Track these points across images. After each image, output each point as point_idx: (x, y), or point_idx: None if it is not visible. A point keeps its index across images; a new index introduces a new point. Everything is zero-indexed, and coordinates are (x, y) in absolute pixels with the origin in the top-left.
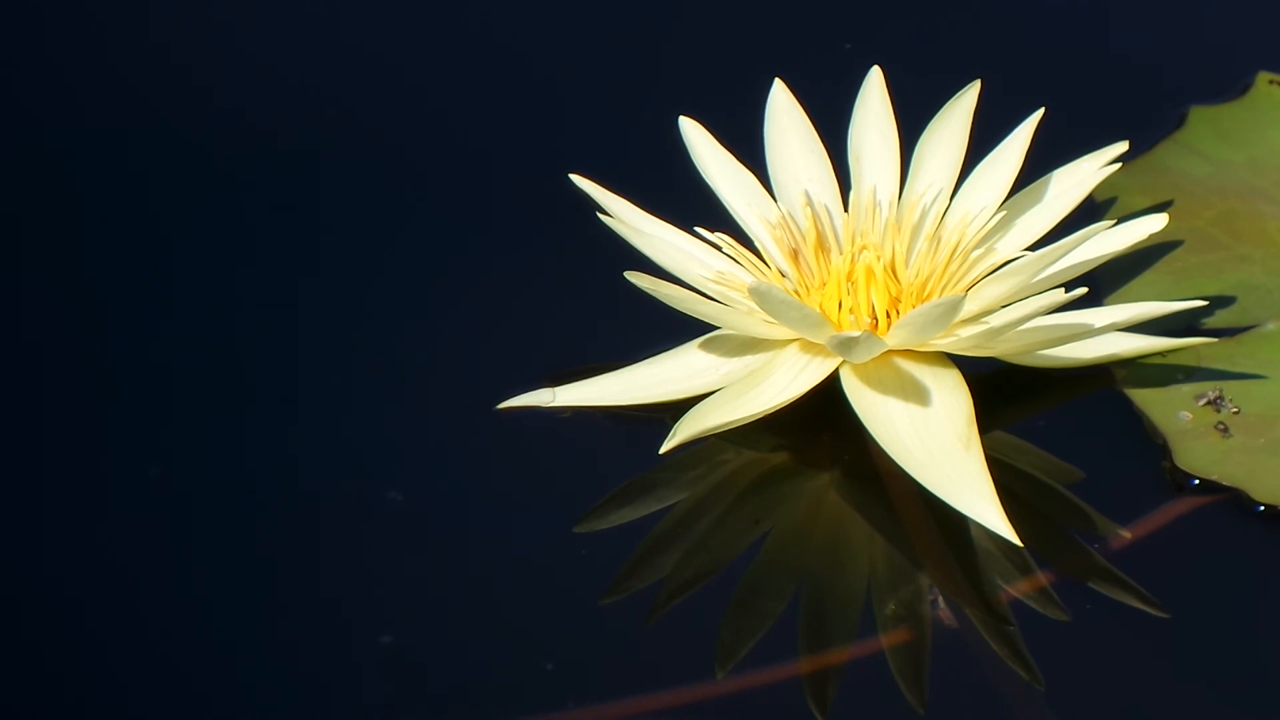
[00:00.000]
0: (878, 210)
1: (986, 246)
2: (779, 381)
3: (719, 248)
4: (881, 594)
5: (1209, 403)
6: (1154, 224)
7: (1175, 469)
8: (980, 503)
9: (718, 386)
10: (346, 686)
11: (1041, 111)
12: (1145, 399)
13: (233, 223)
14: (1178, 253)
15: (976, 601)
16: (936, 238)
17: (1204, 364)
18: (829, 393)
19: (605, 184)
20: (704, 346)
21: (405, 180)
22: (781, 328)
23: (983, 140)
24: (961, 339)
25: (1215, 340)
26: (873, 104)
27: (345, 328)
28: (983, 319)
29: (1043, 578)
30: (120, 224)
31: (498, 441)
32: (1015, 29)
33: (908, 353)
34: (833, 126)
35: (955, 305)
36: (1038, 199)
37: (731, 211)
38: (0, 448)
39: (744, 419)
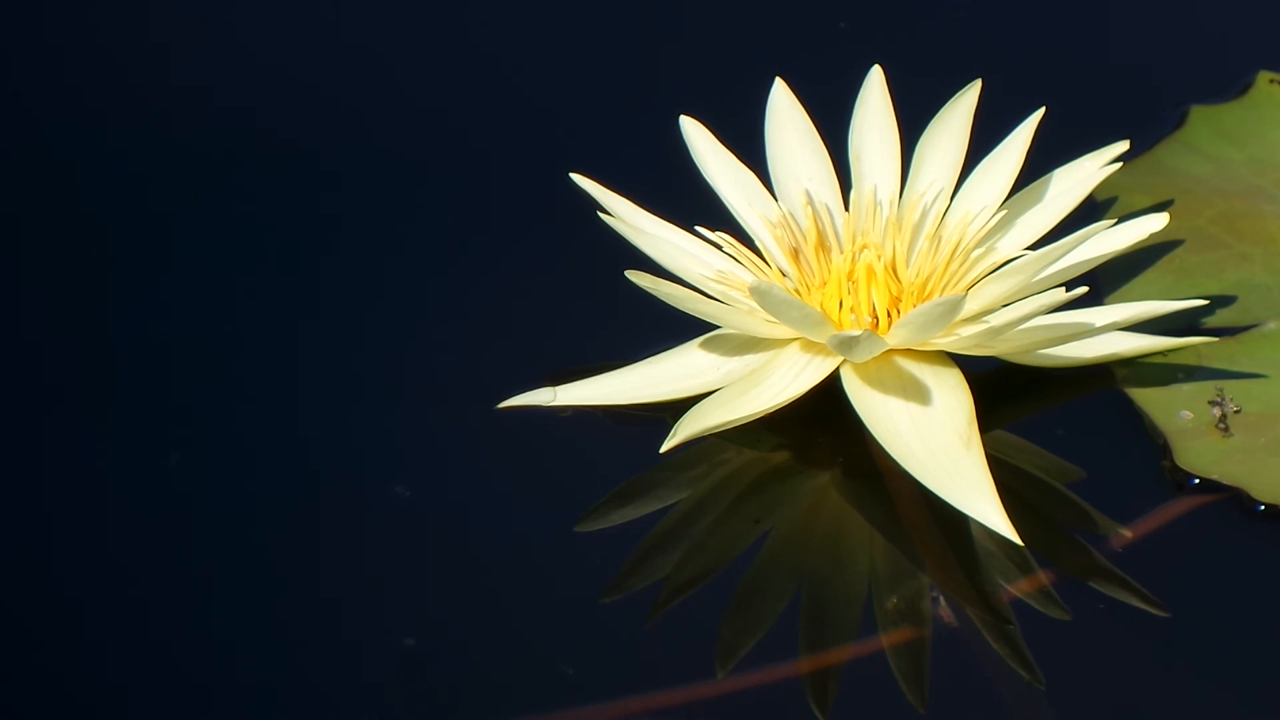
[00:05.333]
0: (878, 209)
1: (987, 246)
2: (779, 381)
3: (719, 247)
4: (882, 593)
5: (1221, 416)
6: (1154, 223)
7: (1176, 468)
8: (981, 501)
9: (718, 386)
10: (347, 684)
11: (1042, 111)
12: (1146, 398)
13: (234, 223)
14: (1178, 252)
15: (977, 600)
16: (937, 237)
17: (1205, 363)
18: (829, 392)
19: (606, 183)
20: (704, 346)
21: (406, 180)
22: (782, 327)
23: (983, 140)
24: (962, 338)
25: (1216, 339)
26: (873, 103)
27: (346, 327)
28: (983, 318)
29: (1043, 577)
30: (122, 222)
31: (498, 440)
32: (1015, 29)
33: (908, 352)
34: (833, 126)
35: (956, 304)
36: (1038, 198)
37: (732, 210)
38: (2, 447)
39: (744, 418)
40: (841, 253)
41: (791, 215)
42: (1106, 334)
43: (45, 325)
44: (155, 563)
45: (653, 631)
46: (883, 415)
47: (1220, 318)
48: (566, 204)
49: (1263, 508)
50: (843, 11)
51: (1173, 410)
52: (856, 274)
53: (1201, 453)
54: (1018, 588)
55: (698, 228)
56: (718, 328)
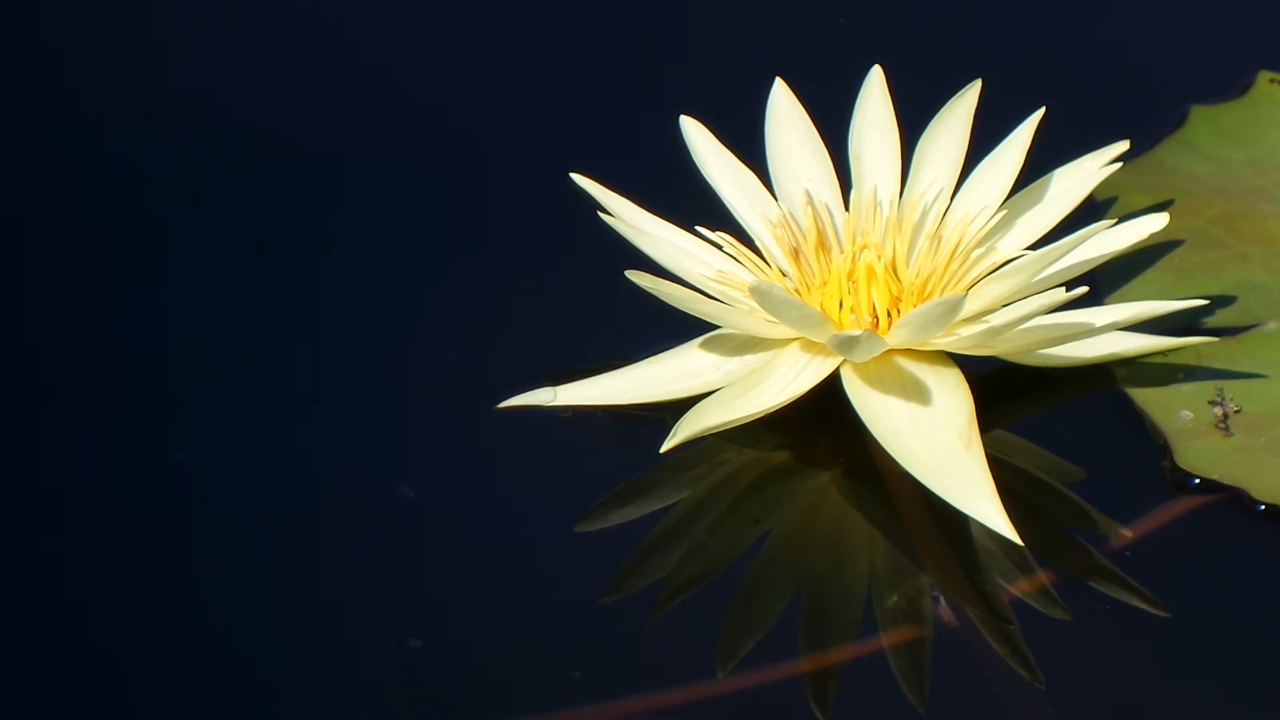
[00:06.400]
0: (878, 209)
1: (987, 246)
2: (779, 381)
3: (720, 247)
4: (882, 593)
5: (1222, 415)
6: (1155, 223)
7: (1176, 468)
8: (981, 501)
9: (718, 386)
10: (348, 682)
11: (1042, 111)
12: (1146, 398)
13: (234, 223)
14: (1178, 252)
15: (977, 600)
16: (937, 237)
17: (1205, 363)
18: (830, 392)
19: (606, 183)
20: (705, 346)
21: (406, 180)
22: (782, 327)
23: (983, 140)
24: (962, 338)
25: (1216, 339)
26: (873, 103)
27: (346, 327)
28: (983, 318)
29: (1043, 577)
30: (122, 222)
31: (498, 440)
32: (1015, 29)
33: (908, 352)
34: (833, 125)
35: (956, 304)
36: (1038, 198)
37: (732, 210)
38: (5, 446)
39: (744, 418)
40: (841, 253)
41: (791, 215)
42: (1107, 334)
43: (45, 325)
44: (156, 563)
45: (653, 631)
46: (883, 415)
47: (1220, 318)
48: (567, 204)
49: (1263, 507)
50: (842, 10)
51: (1173, 410)
52: (856, 274)
53: (1202, 452)
54: (1018, 587)
55: (698, 228)
56: (718, 328)
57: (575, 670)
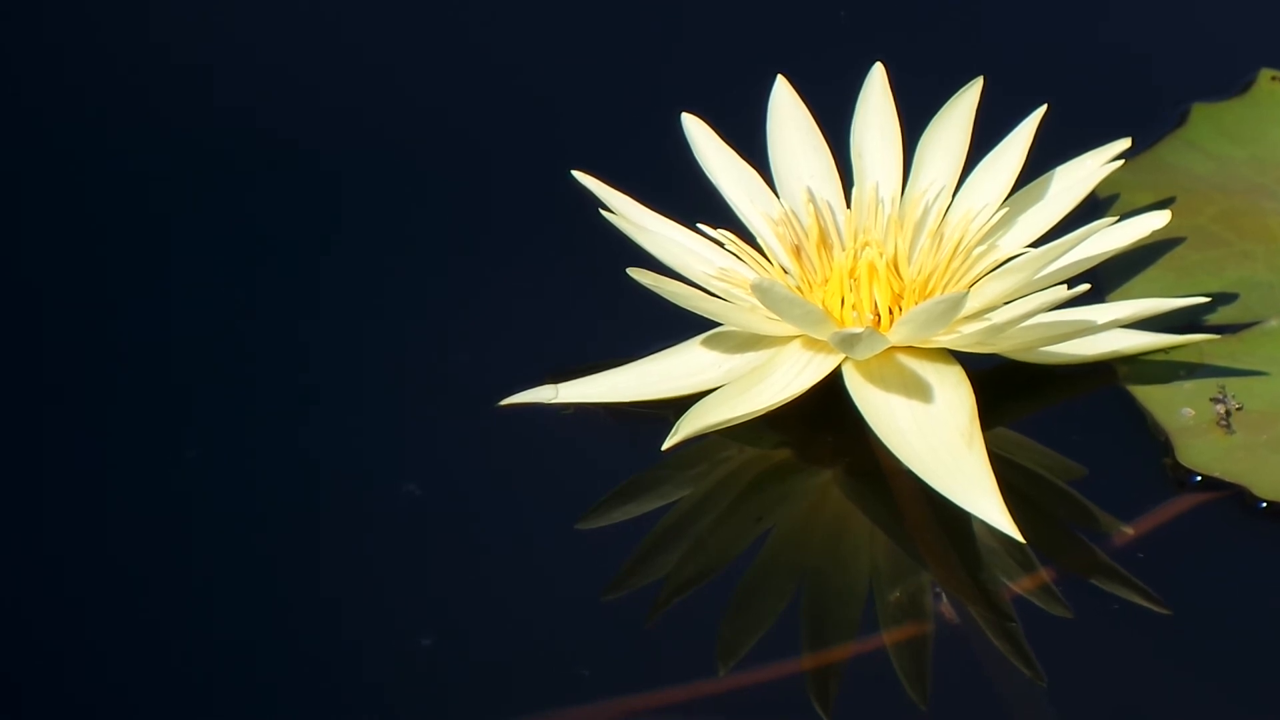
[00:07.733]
0: (880, 207)
1: (989, 243)
2: (781, 378)
3: (721, 244)
4: (884, 590)
5: (1224, 413)
6: (1156, 221)
7: (1177, 465)
8: (983, 499)
9: (720, 383)
10: (349, 682)
11: (1044, 109)
12: (1147, 395)
13: (234, 223)
14: (1180, 249)
15: (979, 598)
16: (939, 234)
17: (1206, 360)
18: (831, 389)
19: (608, 180)
20: (706, 343)
21: (406, 179)
22: (784, 324)
23: (985, 137)
24: (964, 335)
25: (1217, 337)
26: (875, 101)
27: (347, 327)
28: (985, 316)
29: (1045, 574)
30: (122, 222)
31: (500, 438)
32: (1015, 29)
33: (910, 349)
34: (835, 123)
35: (958, 302)
36: (1040, 196)
37: (734, 208)
38: (5, 446)
39: (746, 416)
40: (843, 250)
41: (793, 212)
42: (1108, 331)
43: (45, 325)
44: (156, 562)
45: (654, 629)
46: (885, 413)
47: (1222, 315)
48: (568, 202)
49: (1264, 505)
50: (843, 7)
51: (1174, 407)
52: (858, 271)
53: (1203, 450)
54: (1019, 585)
55: (699, 225)
56: (720, 325)
57: (585, 669)
